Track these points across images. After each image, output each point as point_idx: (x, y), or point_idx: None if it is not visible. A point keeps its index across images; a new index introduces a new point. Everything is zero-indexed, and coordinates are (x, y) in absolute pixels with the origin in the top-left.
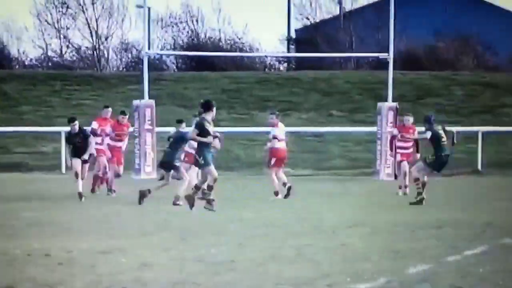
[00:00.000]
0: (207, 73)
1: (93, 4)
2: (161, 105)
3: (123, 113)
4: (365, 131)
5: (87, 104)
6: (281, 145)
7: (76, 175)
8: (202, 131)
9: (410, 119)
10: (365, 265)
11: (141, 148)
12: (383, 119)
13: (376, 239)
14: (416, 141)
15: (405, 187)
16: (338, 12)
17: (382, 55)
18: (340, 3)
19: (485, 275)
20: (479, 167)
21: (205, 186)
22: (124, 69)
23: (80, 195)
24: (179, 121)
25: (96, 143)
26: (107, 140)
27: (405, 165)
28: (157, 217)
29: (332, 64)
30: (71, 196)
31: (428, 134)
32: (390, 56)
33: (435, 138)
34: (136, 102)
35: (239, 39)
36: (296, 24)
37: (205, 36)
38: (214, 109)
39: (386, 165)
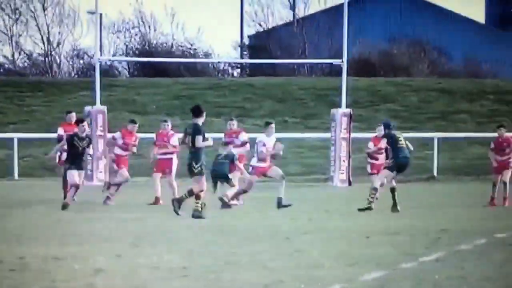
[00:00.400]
0: (160, 79)
1: (44, 10)
2: (113, 111)
3: (133, 121)
4: (319, 137)
5: (39, 110)
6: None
7: (77, 187)
8: (204, 136)
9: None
10: (319, 272)
11: (93, 154)
12: (337, 125)
13: (331, 246)
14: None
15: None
16: (291, 18)
17: (335, 61)
18: (293, 9)
19: (441, 282)
20: (435, 173)
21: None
22: (76, 75)
23: (66, 205)
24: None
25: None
26: (117, 149)
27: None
28: (111, 224)
29: (286, 70)
30: (24, 202)
31: (383, 142)
32: (343, 62)
33: (392, 141)
34: (88, 108)
35: (192, 45)
36: (249, 30)
37: (158, 42)
38: (204, 114)
39: (340, 171)
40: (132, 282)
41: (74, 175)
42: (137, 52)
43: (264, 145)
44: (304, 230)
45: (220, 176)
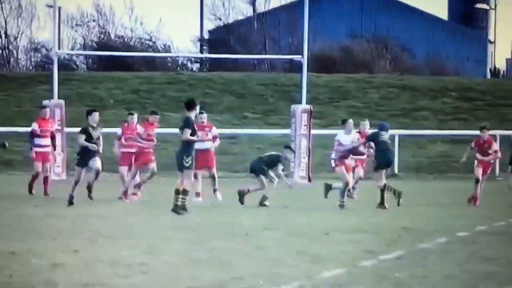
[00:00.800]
0: (119, 73)
1: (1, 4)
2: (71, 105)
3: (154, 113)
4: (279, 133)
5: None
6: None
7: (76, 182)
8: (193, 130)
9: (366, 124)
10: (279, 269)
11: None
12: (297, 122)
13: (291, 243)
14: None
15: (353, 188)
16: (251, 13)
17: (296, 57)
18: (253, 4)
19: (401, 280)
20: (396, 171)
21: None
22: (34, 69)
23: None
24: None
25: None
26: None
27: (359, 170)
28: (70, 219)
29: (246, 66)
30: None
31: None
32: (304, 58)
33: (374, 139)
34: (45, 102)
35: (151, 38)
36: (209, 25)
37: (117, 36)
38: (198, 107)
39: (300, 168)
40: (90, 277)
41: (97, 162)
42: (95, 45)
43: (340, 144)
44: (264, 227)
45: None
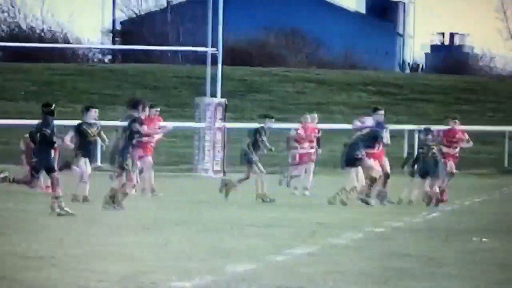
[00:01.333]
0: (30, 64)
1: None
2: None
3: (153, 106)
4: (193, 127)
5: None
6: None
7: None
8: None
9: (315, 117)
10: (190, 263)
11: None
12: (212, 115)
13: (203, 237)
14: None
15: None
16: (165, 5)
17: (210, 50)
18: None
19: (315, 275)
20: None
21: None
22: None
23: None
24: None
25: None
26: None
27: (311, 166)
28: None
29: (159, 58)
30: None
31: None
32: (219, 51)
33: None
34: None
35: (62, 30)
36: (121, 16)
37: (28, 27)
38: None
39: (215, 162)
40: (0, 270)
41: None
42: (5, 36)
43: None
44: (175, 221)
45: None
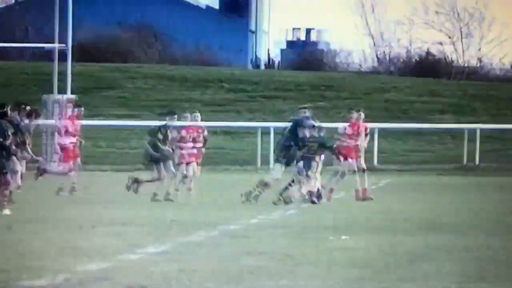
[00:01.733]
0: None
1: None
2: None
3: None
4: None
5: None
6: None
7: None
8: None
9: (197, 116)
10: (42, 262)
11: None
12: (61, 112)
13: (56, 235)
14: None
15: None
16: (12, 1)
17: (59, 46)
18: None
19: (171, 273)
20: None
21: None
22: None
23: None
24: None
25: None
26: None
27: (194, 167)
28: None
29: (8, 55)
30: None
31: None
32: (68, 47)
33: None
34: None
35: None
36: None
37: None
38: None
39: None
40: None
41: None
42: None
43: None
44: (28, 219)
45: None
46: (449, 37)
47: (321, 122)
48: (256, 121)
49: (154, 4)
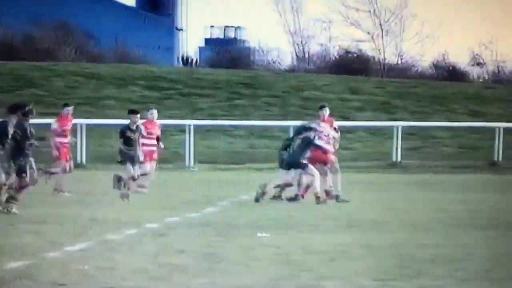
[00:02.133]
0: None
1: None
2: None
3: (66, 105)
4: None
5: None
6: None
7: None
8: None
9: (154, 112)
10: None
11: None
12: None
13: None
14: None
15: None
16: None
17: None
18: None
19: (89, 272)
20: (84, 161)
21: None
22: None
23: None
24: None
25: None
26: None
27: (151, 165)
28: None
29: None
30: None
31: None
32: None
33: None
34: None
35: None
36: None
37: None
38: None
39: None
40: None
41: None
42: None
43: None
44: None
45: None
46: (369, 34)
47: (239, 120)
48: (173, 119)
49: (73, 1)
